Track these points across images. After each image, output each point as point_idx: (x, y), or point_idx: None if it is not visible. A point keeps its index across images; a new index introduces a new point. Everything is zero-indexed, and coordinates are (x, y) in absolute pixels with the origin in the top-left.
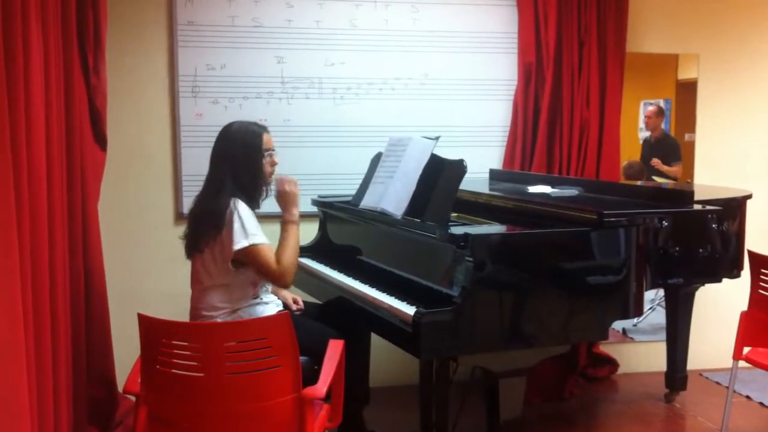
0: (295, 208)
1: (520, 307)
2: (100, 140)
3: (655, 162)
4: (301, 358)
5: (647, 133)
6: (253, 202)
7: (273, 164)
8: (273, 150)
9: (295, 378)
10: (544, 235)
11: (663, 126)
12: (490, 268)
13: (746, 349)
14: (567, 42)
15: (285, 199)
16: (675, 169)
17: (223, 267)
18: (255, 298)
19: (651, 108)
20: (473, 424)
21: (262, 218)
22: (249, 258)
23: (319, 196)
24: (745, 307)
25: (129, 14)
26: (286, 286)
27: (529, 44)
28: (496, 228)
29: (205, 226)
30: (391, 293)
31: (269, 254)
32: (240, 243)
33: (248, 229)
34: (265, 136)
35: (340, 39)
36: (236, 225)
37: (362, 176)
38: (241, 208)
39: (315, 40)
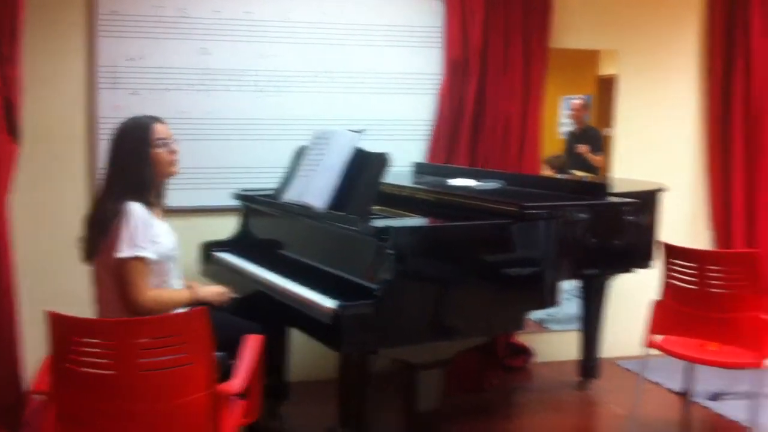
0: (206, 296)
1: (442, 300)
2: (14, 132)
3: (583, 149)
4: (219, 354)
5: (570, 127)
6: (154, 198)
7: (172, 153)
8: (168, 139)
9: (210, 374)
10: (465, 228)
11: (585, 119)
12: (411, 260)
13: (658, 337)
14: (493, 37)
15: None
16: (599, 159)
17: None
18: None
19: (577, 101)
20: (393, 417)
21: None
22: (124, 269)
23: (242, 190)
24: (656, 296)
25: (49, 4)
26: (136, 315)
27: (455, 38)
28: (417, 221)
29: (94, 232)
30: (312, 287)
31: (146, 277)
32: (122, 252)
33: (136, 238)
34: (157, 126)
35: (267, 31)
36: (124, 232)
37: (286, 170)
38: (135, 213)
39: (241, 32)
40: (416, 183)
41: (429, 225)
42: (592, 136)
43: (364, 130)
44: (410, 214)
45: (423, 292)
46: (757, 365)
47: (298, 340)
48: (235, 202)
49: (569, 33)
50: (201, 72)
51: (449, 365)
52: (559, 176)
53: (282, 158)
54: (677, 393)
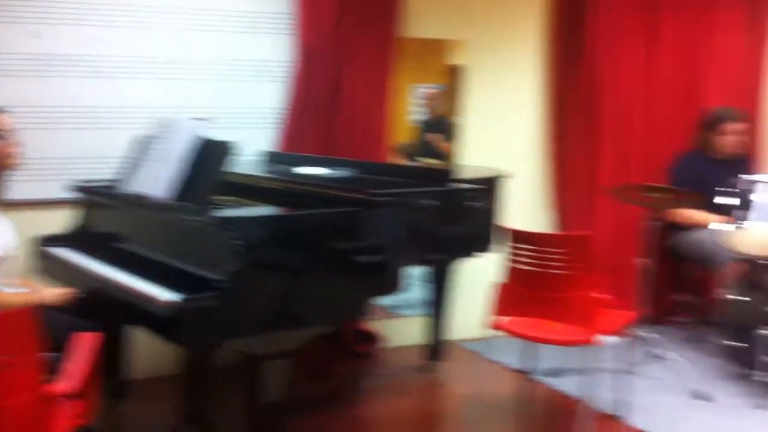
0: (48, 299)
1: (289, 290)
2: None
3: (436, 137)
4: (52, 355)
5: (422, 115)
6: None
7: (10, 145)
8: (9, 131)
9: (36, 375)
10: (311, 217)
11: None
12: (257, 250)
13: (501, 318)
14: (344, 25)
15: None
16: (449, 147)
17: None
18: None
19: (431, 90)
20: (239, 411)
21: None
22: None
23: (80, 181)
24: (498, 279)
25: None
26: None
27: (306, 25)
28: (264, 210)
29: None
30: (155, 281)
31: None
32: None
33: None
34: None
35: (105, 14)
36: None
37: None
38: None
39: (76, 15)
40: (267, 172)
41: (275, 214)
42: (443, 124)
43: (210, 118)
44: (259, 203)
45: (270, 282)
46: (587, 341)
47: (138, 336)
48: (71, 195)
49: (419, 22)
50: (32, 57)
51: (295, 355)
52: (407, 163)
53: (122, 148)
54: (519, 371)
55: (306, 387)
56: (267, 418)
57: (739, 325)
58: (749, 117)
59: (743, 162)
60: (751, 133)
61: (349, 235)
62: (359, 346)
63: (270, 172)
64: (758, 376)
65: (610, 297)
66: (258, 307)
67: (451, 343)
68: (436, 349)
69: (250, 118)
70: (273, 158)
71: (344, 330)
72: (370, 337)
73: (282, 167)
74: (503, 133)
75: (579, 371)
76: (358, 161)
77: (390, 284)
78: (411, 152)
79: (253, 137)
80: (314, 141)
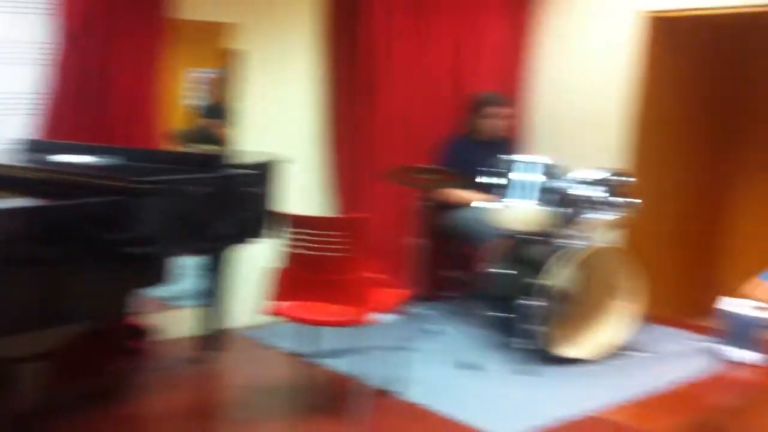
0: None
1: (45, 286)
2: None
3: (213, 123)
4: None
5: (201, 101)
6: None
7: None
8: None
9: None
10: (68, 207)
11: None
12: (7, 245)
13: (279, 303)
14: (111, 5)
15: None
16: (228, 133)
17: None
18: None
19: (211, 75)
20: None
21: None
22: None
23: None
24: (275, 264)
25: None
26: None
27: (69, 4)
28: (13, 202)
29: None
30: None
31: None
32: None
33: None
34: None
35: None
36: None
37: None
38: None
39: None
40: (24, 161)
41: (26, 206)
42: (221, 109)
43: None
44: (12, 194)
45: (23, 279)
46: (359, 321)
47: None
48: None
49: (193, 4)
50: None
51: (55, 356)
52: (178, 150)
53: None
54: (297, 355)
55: (73, 387)
56: (25, 424)
57: (504, 297)
58: (511, 102)
59: (505, 144)
60: (513, 116)
61: (111, 226)
62: (130, 341)
63: (27, 161)
64: (516, 343)
65: (385, 277)
66: (10, 306)
67: (231, 332)
68: (213, 339)
69: (4, 104)
70: (33, 146)
71: (113, 325)
72: (141, 332)
73: (42, 156)
74: (283, 118)
75: (356, 351)
76: (127, 148)
77: (157, 275)
78: (188, 138)
79: (8, 124)
80: (80, 128)
